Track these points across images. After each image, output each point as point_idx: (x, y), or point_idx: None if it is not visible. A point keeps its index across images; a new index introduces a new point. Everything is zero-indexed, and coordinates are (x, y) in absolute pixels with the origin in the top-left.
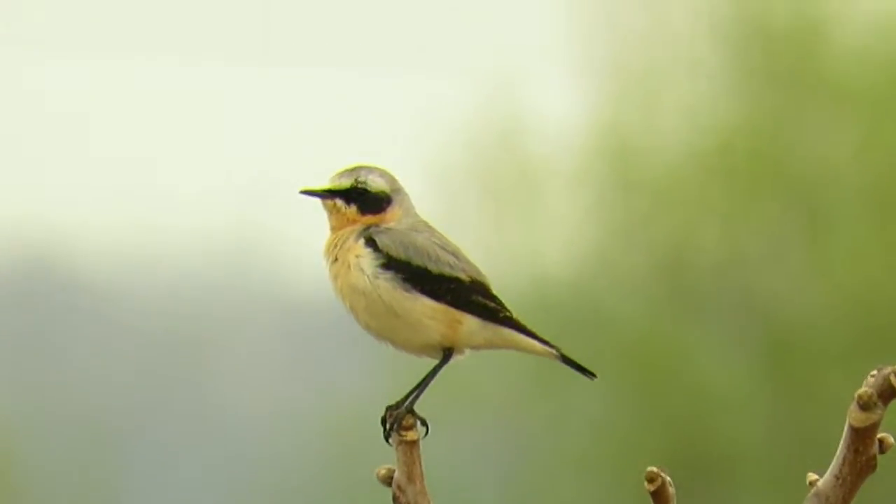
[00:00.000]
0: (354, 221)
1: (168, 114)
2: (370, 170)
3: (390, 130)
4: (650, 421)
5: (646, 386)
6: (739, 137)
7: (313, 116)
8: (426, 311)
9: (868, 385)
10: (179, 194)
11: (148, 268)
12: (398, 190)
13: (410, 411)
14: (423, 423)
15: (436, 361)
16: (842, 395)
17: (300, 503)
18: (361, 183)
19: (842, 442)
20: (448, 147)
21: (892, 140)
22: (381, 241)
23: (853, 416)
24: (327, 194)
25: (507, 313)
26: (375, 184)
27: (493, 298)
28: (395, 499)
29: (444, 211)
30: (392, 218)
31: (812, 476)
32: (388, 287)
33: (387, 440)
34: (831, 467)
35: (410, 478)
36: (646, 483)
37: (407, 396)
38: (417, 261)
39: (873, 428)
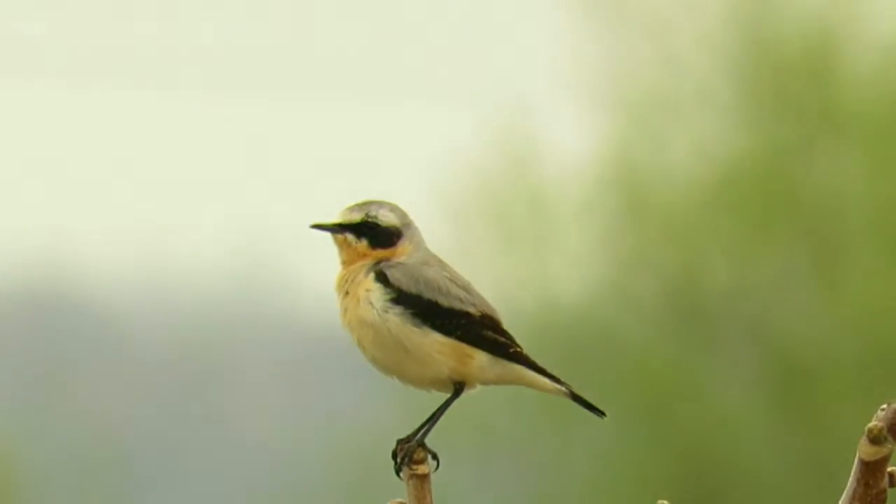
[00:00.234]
0: (365, 256)
1: (184, 144)
2: (381, 204)
3: (401, 162)
4: (660, 450)
5: (656, 414)
6: (749, 167)
7: (326, 148)
8: (436, 346)
9: (878, 419)
10: (193, 224)
11: (159, 296)
12: (408, 224)
13: (421, 445)
14: (434, 456)
15: (446, 395)
16: (852, 425)
17: None
18: (372, 217)
19: (852, 475)
20: (459, 177)
21: None
22: (391, 275)
23: (863, 450)
24: (338, 228)
25: (518, 349)
26: (386, 218)
27: (504, 333)
28: None
29: (456, 240)
30: (403, 252)
31: None
32: (397, 321)
33: (398, 474)
34: (841, 501)
35: None
36: None
37: (418, 430)
38: (428, 295)
39: (883, 461)
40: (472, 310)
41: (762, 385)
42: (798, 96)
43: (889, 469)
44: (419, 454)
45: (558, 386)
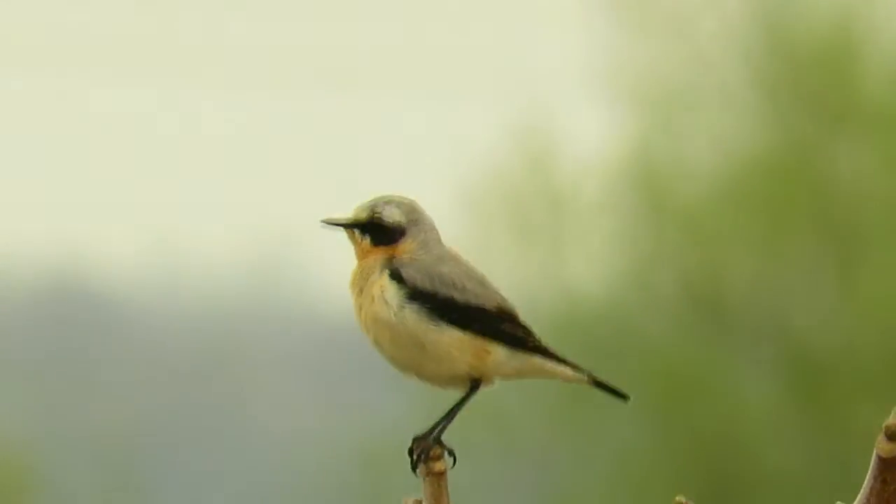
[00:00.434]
0: (368, 252)
1: (202, 140)
2: (389, 201)
3: (423, 158)
4: (679, 445)
5: (675, 410)
6: (769, 163)
7: (347, 144)
8: (453, 342)
9: None
10: (210, 218)
11: (176, 291)
12: (416, 221)
13: (438, 442)
14: (451, 453)
15: (462, 392)
16: (870, 421)
17: None
18: (377, 215)
19: (869, 472)
20: (480, 174)
21: None
22: (406, 272)
23: (881, 447)
24: (347, 225)
25: (536, 341)
26: (391, 216)
27: (521, 326)
28: None
29: (476, 237)
30: (404, 250)
31: None
32: (414, 319)
33: (414, 471)
34: (858, 497)
35: None
36: None
37: (434, 427)
38: (443, 291)
39: None
40: (488, 304)
41: (781, 381)
42: (818, 92)
43: None
44: (436, 451)
45: (579, 374)
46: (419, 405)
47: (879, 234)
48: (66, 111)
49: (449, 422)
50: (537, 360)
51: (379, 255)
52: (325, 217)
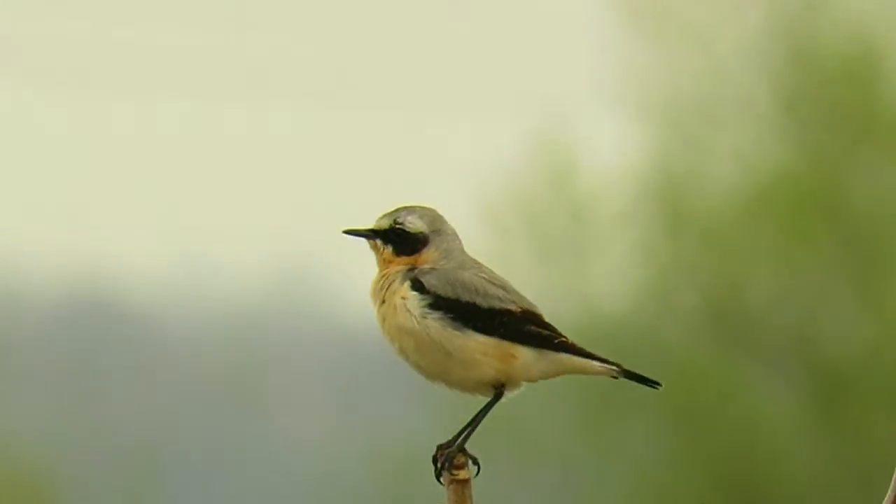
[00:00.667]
0: (391, 262)
1: (225, 152)
2: (411, 210)
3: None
4: (700, 457)
5: (696, 423)
6: (789, 177)
7: (368, 157)
8: (479, 347)
9: None
10: (231, 229)
11: (197, 302)
12: (438, 231)
13: (462, 450)
14: (475, 461)
15: (486, 400)
16: (892, 435)
17: None
18: (399, 224)
19: (892, 483)
20: (500, 187)
21: None
22: (427, 281)
23: None
24: (369, 234)
25: (563, 338)
26: (413, 225)
27: (547, 326)
28: None
29: (496, 250)
30: (427, 259)
31: None
32: (437, 326)
33: (438, 479)
34: None
35: None
36: None
37: (458, 435)
38: (466, 297)
39: None
40: (511, 307)
41: (802, 394)
42: (839, 106)
43: None
44: (459, 459)
45: (608, 366)
46: (439, 415)
47: None
48: (90, 124)
49: (473, 430)
50: (565, 358)
51: (401, 264)
52: (346, 228)
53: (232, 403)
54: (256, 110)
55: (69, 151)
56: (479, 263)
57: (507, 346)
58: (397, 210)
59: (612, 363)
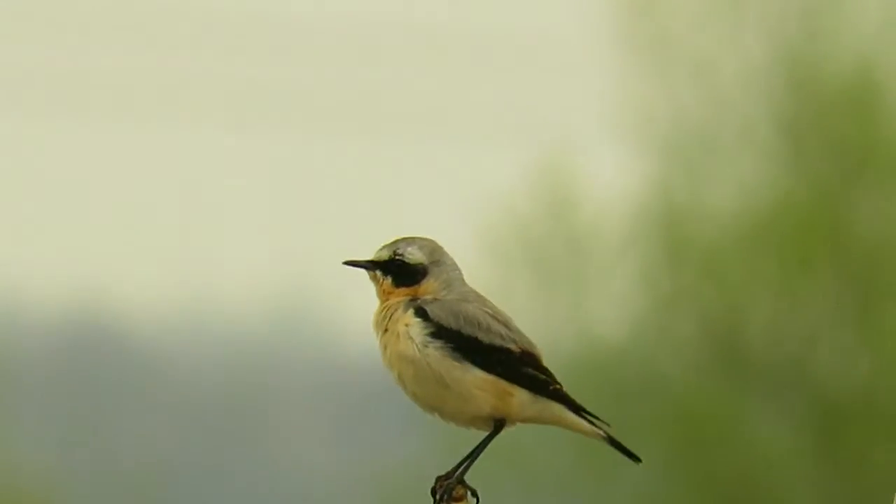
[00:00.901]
0: (390, 293)
1: (227, 183)
2: (411, 242)
3: (443, 200)
4: (700, 489)
5: (695, 454)
6: (790, 207)
7: (369, 187)
8: (476, 381)
9: None
10: (233, 260)
11: (199, 331)
12: (438, 262)
13: (461, 482)
14: (474, 493)
15: (485, 432)
16: (890, 466)
17: None
18: (399, 255)
19: None
20: (500, 216)
21: None
22: (431, 310)
23: None
24: (368, 265)
25: (558, 386)
26: (412, 256)
27: (544, 370)
28: None
29: (496, 279)
30: (427, 290)
31: None
32: (437, 356)
33: None
34: None
35: None
36: None
37: (458, 466)
38: (468, 330)
39: None
40: (512, 346)
41: (802, 426)
42: (839, 136)
43: None
44: (459, 491)
45: (596, 430)
46: (437, 446)
47: None
48: (93, 154)
49: (472, 462)
50: (557, 408)
51: (401, 295)
52: (346, 258)
53: (232, 431)
54: (257, 143)
55: (72, 184)
56: (481, 297)
57: (504, 384)
58: (396, 241)
59: (599, 426)
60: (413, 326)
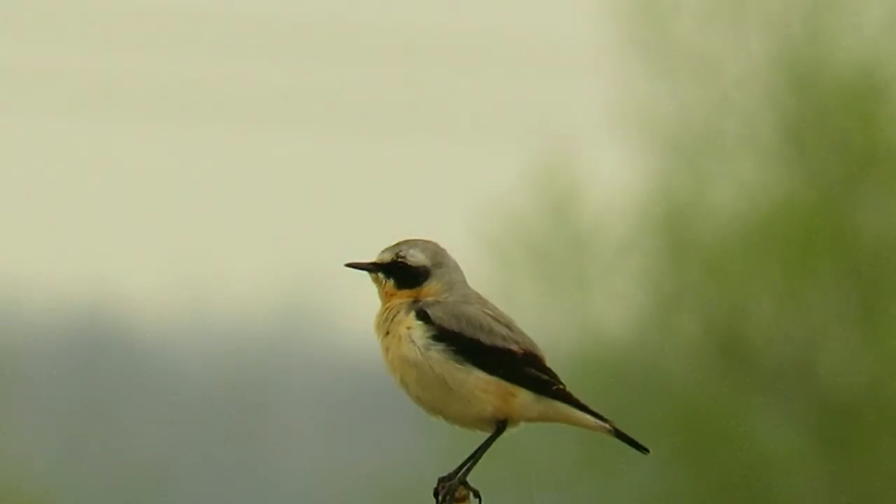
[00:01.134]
0: (393, 295)
1: (229, 182)
2: (413, 244)
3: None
4: (703, 489)
5: (699, 454)
6: (793, 207)
7: (370, 188)
8: (479, 383)
9: None
10: (235, 259)
11: (201, 331)
12: (440, 264)
13: (463, 483)
14: (476, 494)
15: (487, 434)
16: (894, 466)
17: None
18: (401, 258)
19: None
20: (502, 217)
21: None
22: (433, 313)
23: None
24: (371, 267)
25: (561, 386)
26: (415, 259)
27: (547, 371)
28: None
29: (498, 279)
30: (429, 293)
31: None
32: (440, 359)
33: None
34: None
35: None
36: None
37: (460, 468)
38: (470, 332)
39: None
40: (514, 347)
41: (806, 424)
42: (843, 136)
43: None
44: (461, 492)
45: (601, 423)
46: (440, 447)
47: None
48: (95, 152)
49: (475, 463)
50: (561, 407)
51: (403, 297)
52: (348, 261)
53: (235, 429)
54: (261, 141)
55: (74, 181)
56: (483, 299)
57: (506, 385)
58: (399, 244)
59: (606, 420)
60: (415, 329)
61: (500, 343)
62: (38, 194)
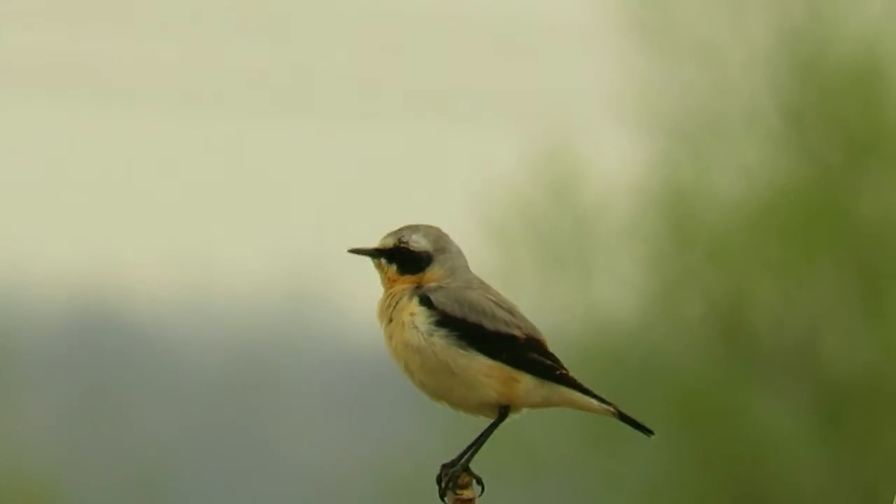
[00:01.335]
0: (395, 281)
1: (232, 166)
2: (415, 229)
3: (447, 186)
4: (706, 472)
5: (702, 437)
6: (796, 191)
7: (371, 171)
8: (482, 368)
9: None
10: (240, 247)
11: (205, 319)
12: (442, 249)
13: (466, 469)
14: (479, 481)
15: (490, 419)
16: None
17: None
18: (404, 243)
19: None
20: (505, 201)
21: None
22: (435, 298)
23: None
24: (373, 253)
25: (564, 370)
26: (417, 244)
27: (550, 356)
28: None
29: (501, 264)
30: (431, 278)
31: None
32: (443, 344)
33: (442, 499)
34: None
35: None
36: None
37: (462, 454)
38: (473, 318)
39: None
40: (517, 333)
41: (808, 408)
42: (845, 120)
43: None
44: (464, 479)
45: (606, 406)
46: (444, 434)
47: None
48: (97, 137)
49: (477, 449)
50: (565, 391)
51: (405, 283)
52: (351, 246)
53: (236, 416)
54: (265, 129)
55: (78, 168)
56: (485, 284)
57: (509, 370)
58: (402, 229)
59: (610, 403)
60: (418, 315)
61: (502, 328)
62: (38, 177)
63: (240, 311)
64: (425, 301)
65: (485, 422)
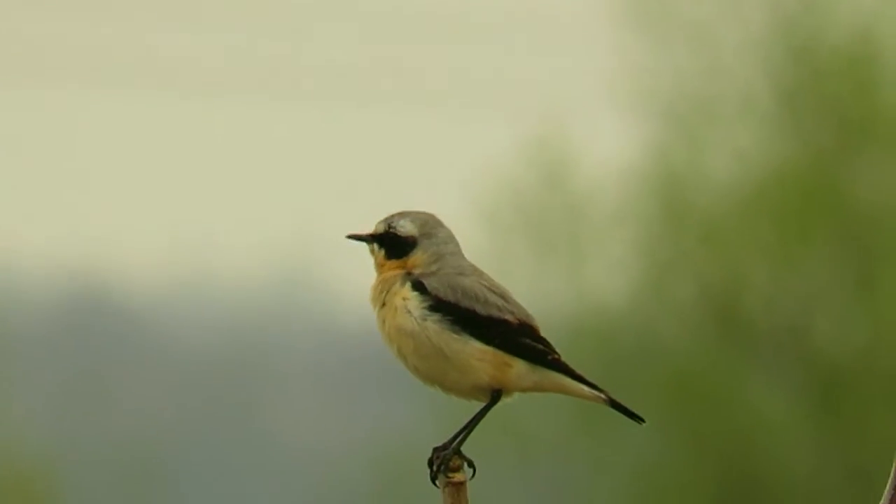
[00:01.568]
0: (382, 265)
1: (227, 151)
2: (405, 215)
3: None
4: (699, 456)
5: (694, 421)
6: (789, 174)
7: (365, 158)
8: (475, 353)
9: None
10: (233, 231)
11: (198, 302)
12: (428, 234)
13: (457, 452)
14: (471, 464)
15: (482, 403)
16: (889, 432)
17: None
18: (392, 228)
19: (890, 481)
20: (497, 185)
21: None
22: (429, 283)
23: None
24: (367, 239)
25: (556, 356)
26: (403, 228)
27: (542, 341)
28: None
29: (494, 249)
30: (415, 263)
31: None
32: (436, 329)
33: (433, 481)
34: None
35: None
36: None
37: (454, 438)
38: (465, 303)
39: None
40: (509, 317)
41: (801, 391)
42: (839, 104)
43: None
44: (455, 462)
45: (597, 393)
46: (437, 417)
47: None
48: (92, 122)
49: (469, 433)
50: (556, 376)
51: (392, 268)
52: (346, 230)
53: (230, 399)
54: (258, 113)
55: (71, 152)
56: (478, 270)
57: (502, 355)
58: (393, 215)
59: (601, 390)
60: (411, 300)
61: (495, 313)
62: (32, 162)
63: (232, 295)
64: (418, 286)
65: (476, 405)
